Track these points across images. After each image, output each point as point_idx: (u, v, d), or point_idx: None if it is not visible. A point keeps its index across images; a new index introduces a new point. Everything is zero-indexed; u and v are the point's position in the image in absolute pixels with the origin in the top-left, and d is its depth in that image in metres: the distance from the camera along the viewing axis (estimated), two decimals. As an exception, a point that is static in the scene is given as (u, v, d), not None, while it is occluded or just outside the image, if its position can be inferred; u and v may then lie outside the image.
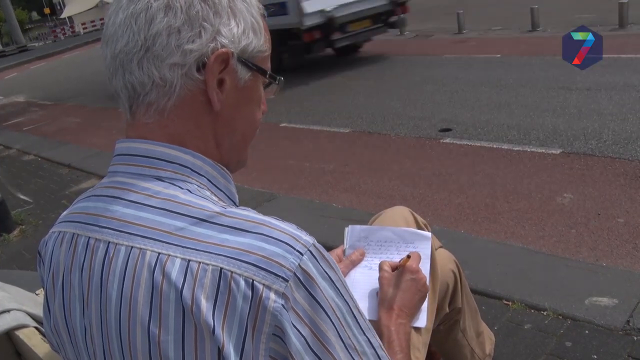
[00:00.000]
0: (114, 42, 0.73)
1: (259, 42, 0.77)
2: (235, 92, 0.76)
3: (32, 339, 1.14)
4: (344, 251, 1.33)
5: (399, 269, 1.17)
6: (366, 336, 0.72)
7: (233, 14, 0.74)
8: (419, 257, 1.20)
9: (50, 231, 0.82)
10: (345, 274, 1.26)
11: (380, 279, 1.17)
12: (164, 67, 0.71)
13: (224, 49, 0.72)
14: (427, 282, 1.25)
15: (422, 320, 1.22)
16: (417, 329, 1.23)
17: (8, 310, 1.19)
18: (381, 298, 1.14)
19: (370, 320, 1.13)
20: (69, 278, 0.75)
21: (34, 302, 1.30)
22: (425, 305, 1.22)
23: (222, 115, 0.76)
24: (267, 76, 0.80)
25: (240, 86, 0.77)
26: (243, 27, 0.75)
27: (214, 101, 0.74)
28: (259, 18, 0.78)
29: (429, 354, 1.33)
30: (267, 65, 0.81)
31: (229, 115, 0.77)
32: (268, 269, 0.63)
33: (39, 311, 1.22)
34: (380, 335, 1.07)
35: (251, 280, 0.63)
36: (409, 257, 1.18)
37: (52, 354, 1.02)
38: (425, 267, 1.27)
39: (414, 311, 1.15)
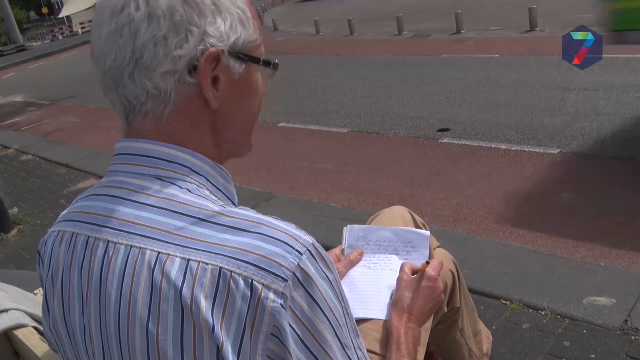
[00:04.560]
0: (103, 59, 0.73)
1: (248, 33, 0.76)
2: (232, 87, 0.76)
3: (30, 338, 1.14)
4: (342, 251, 1.33)
5: (419, 273, 1.16)
6: (350, 336, 0.72)
7: (218, 11, 0.72)
8: (441, 266, 1.20)
9: (50, 230, 0.82)
10: (344, 274, 1.26)
11: (399, 280, 1.17)
12: (156, 77, 0.70)
13: (213, 49, 0.71)
14: None
15: None
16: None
17: (6, 310, 1.18)
18: (395, 299, 1.14)
19: (376, 320, 1.14)
20: (69, 277, 0.75)
21: (33, 301, 1.30)
22: None
23: (220, 111, 0.76)
24: (262, 63, 0.79)
25: (235, 80, 0.76)
26: (230, 23, 0.73)
27: (211, 100, 0.73)
28: (245, 8, 0.77)
29: (427, 353, 1.33)
30: (260, 52, 0.80)
31: (228, 110, 0.77)
32: (267, 268, 0.63)
33: (37, 311, 1.22)
34: (390, 336, 1.08)
35: (250, 280, 0.63)
36: (428, 263, 1.18)
37: (51, 353, 1.02)
38: None
39: (426, 318, 1.15)
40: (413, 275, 1.17)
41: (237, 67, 0.75)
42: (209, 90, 0.73)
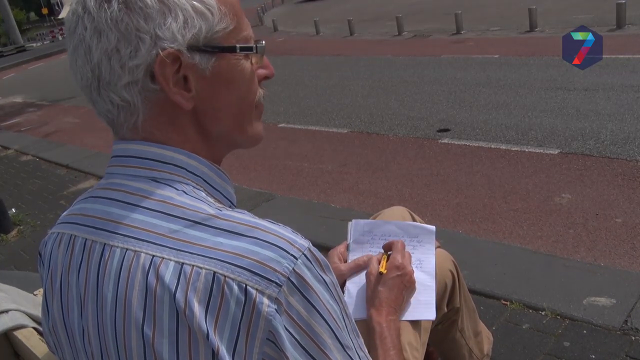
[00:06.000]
0: (75, 79, 0.74)
1: (211, 23, 0.71)
2: (206, 82, 0.73)
3: (30, 339, 1.14)
4: (347, 246, 1.33)
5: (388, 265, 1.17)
6: (350, 337, 0.72)
7: (167, 10, 0.68)
8: (402, 248, 1.20)
9: (50, 232, 0.82)
10: (347, 276, 1.26)
11: (367, 275, 1.17)
12: (119, 89, 0.70)
13: (165, 52, 0.68)
14: (434, 276, 1.25)
15: (432, 313, 1.22)
16: (417, 329, 1.23)
17: (6, 311, 1.18)
18: (369, 295, 1.15)
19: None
20: (67, 279, 0.75)
21: (32, 302, 1.30)
22: (433, 297, 1.22)
23: (200, 110, 0.74)
24: (238, 50, 0.74)
25: (207, 75, 0.72)
26: (183, 18, 0.69)
27: (181, 103, 0.71)
28: None
29: (427, 353, 1.33)
30: (239, 37, 0.75)
31: (208, 107, 0.75)
32: (261, 273, 0.63)
33: (37, 311, 1.22)
34: (372, 332, 1.08)
35: (244, 285, 0.62)
36: (388, 255, 1.18)
37: (51, 354, 1.02)
38: (430, 261, 1.28)
39: (403, 306, 1.17)
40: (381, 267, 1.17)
41: (205, 62, 0.72)
42: (175, 93, 0.71)
